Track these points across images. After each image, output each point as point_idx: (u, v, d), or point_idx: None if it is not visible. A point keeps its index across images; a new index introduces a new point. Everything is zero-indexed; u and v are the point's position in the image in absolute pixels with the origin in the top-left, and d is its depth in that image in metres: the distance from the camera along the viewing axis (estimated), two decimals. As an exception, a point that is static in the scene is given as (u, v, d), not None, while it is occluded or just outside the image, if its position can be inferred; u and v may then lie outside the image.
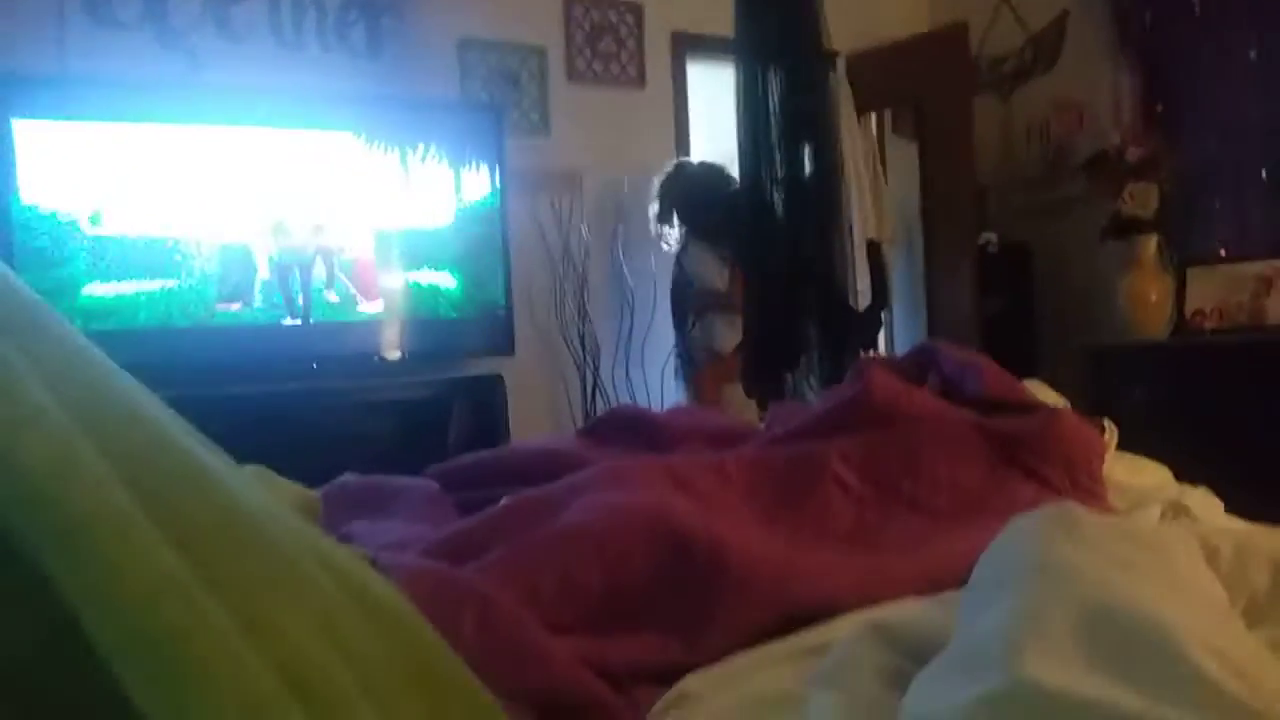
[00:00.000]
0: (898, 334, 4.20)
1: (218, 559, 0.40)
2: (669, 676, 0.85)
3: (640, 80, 3.84)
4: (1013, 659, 0.44)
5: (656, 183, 3.50)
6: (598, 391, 3.66)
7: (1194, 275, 3.32)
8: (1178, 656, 0.45)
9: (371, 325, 3.16)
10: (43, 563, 0.34)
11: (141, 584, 0.35)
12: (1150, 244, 3.31)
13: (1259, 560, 0.71)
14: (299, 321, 3.02)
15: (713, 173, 3.41)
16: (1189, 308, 3.32)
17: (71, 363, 0.45)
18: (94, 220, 2.76)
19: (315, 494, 1.35)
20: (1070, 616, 0.46)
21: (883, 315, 3.88)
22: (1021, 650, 0.45)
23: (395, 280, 3.18)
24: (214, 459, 0.55)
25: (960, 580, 0.90)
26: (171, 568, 0.37)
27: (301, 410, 2.88)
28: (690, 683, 0.83)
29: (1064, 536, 0.52)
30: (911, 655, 0.67)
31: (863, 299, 3.38)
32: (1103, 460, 1.10)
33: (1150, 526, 0.89)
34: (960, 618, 0.56)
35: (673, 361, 3.66)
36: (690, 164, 3.57)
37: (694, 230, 3.42)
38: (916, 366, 1.23)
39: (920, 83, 3.75)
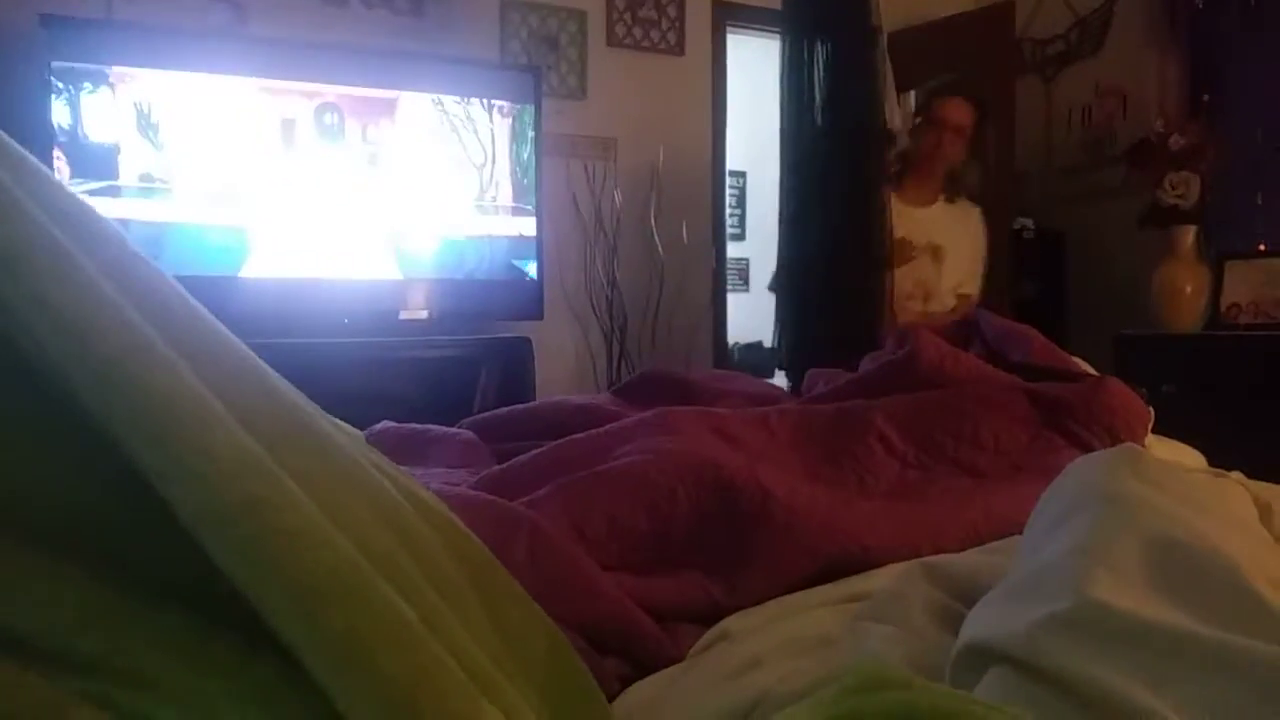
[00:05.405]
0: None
1: (286, 450, 0.41)
2: (710, 618, 0.87)
3: (680, 48, 3.82)
4: (1081, 583, 0.45)
5: None
6: (623, 361, 3.68)
7: (1231, 268, 3.29)
8: (1241, 587, 0.46)
9: (401, 284, 3.18)
10: (123, 440, 0.35)
11: (225, 459, 0.36)
12: (1188, 235, 3.28)
13: (1311, 520, 0.72)
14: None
15: None
16: (1224, 301, 3.28)
17: (128, 263, 0.45)
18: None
19: (361, 435, 1.37)
20: (1137, 545, 0.47)
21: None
22: (1090, 575, 0.46)
23: (426, 240, 3.20)
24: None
25: (1001, 536, 0.91)
26: (253, 447, 0.38)
27: (329, 366, 2.90)
28: (731, 623, 0.85)
29: (1130, 472, 0.53)
30: (959, 596, 0.68)
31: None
32: (1146, 430, 1.10)
33: (1206, 475, 0.90)
34: (1024, 546, 0.57)
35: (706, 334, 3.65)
36: None
37: None
38: (961, 334, 1.24)
39: (962, 62, 3.71)
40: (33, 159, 0.45)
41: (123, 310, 0.38)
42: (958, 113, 2.91)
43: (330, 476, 0.44)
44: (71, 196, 0.46)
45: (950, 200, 2.99)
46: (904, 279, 2.80)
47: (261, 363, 0.53)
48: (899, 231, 2.76)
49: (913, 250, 2.78)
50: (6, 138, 0.44)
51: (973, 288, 2.94)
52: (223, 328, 0.51)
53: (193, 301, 0.50)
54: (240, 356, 0.48)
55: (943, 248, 2.86)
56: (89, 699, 0.35)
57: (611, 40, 3.70)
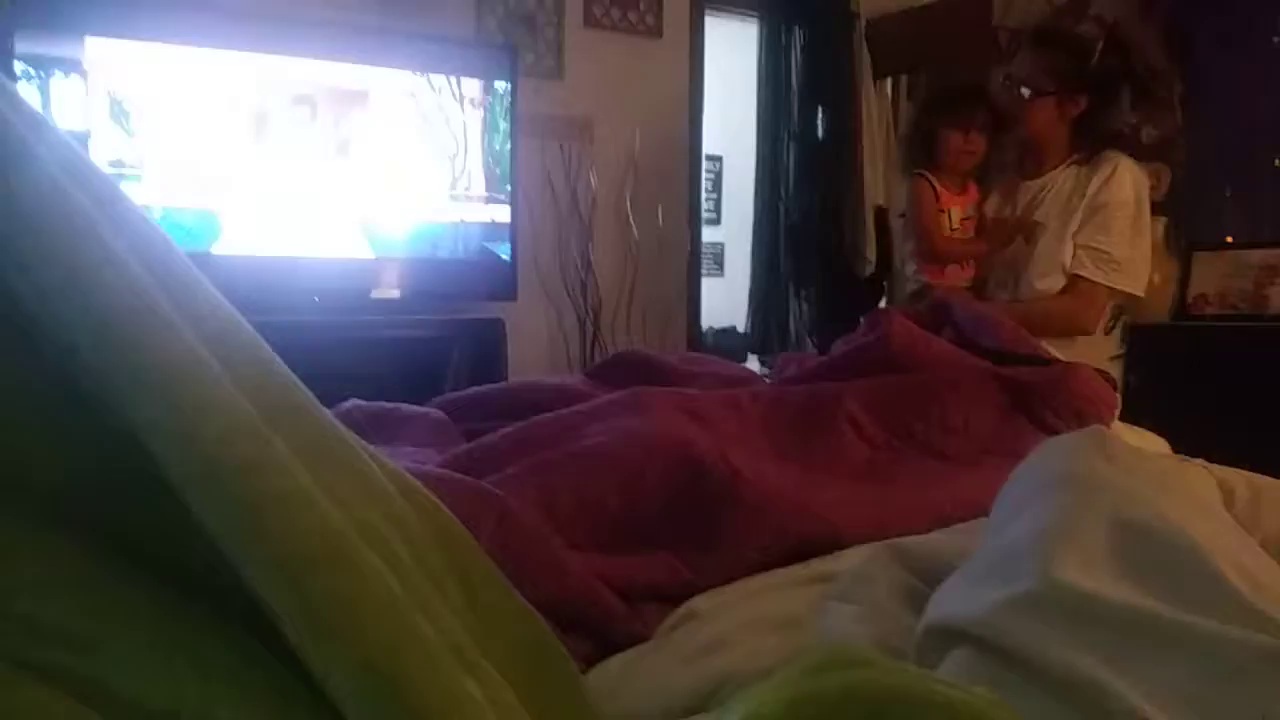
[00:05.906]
0: (899, 303, 4.20)
1: (281, 419, 0.40)
2: (678, 597, 0.87)
3: (658, 30, 3.79)
4: (1045, 563, 0.45)
5: None
6: (597, 344, 3.67)
7: (1199, 260, 3.33)
8: (1204, 568, 0.46)
9: (373, 264, 3.14)
10: (115, 396, 0.34)
11: (219, 421, 0.36)
12: (1158, 227, 3.32)
13: (1273, 504, 0.72)
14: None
15: None
16: (1192, 292, 3.33)
17: (136, 225, 0.46)
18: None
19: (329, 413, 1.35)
20: (1102, 526, 0.47)
21: (885, 284, 3.88)
22: (1054, 555, 0.46)
23: (398, 222, 3.16)
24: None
25: (969, 519, 0.92)
26: (248, 410, 0.38)
27: (299, 345, 2.84)
28: (698, 602, 0.85)
29: (1097, 454, 0.53)
30: (925, 577, 0.68)
31: (867, 266, 3.39)
32: (1114, 416, 1.11)
33: (1173, 460, 0.91)
34: (990, 527, 0.57)
35: (680, 318, 3.64)
36: None
37: None
38: (932, 319, 1.24)
39: (939, 50, 3.71)
40: (45, 116, 0.45)
41: (129, 269, 0.38)
42: (1029, 65, 2.40)
43: (321, 448, 0.44)
44: (82, 155, 0.46)
45: (1084, 161, 2.36)
46: (994, 264, 2.45)
47: (255, 332, 0.52)
48: (1006, 212, 2.41)
49: (1015, 229, 2.37)
50: (26, 100, 0.44)
51: (1088, 269, 2.31)
52: (221, 296, 0.51)
53: (195, 270, 0.49)
54: (237, 324, 0.48)
55: (1039, 224, 2.37)
56: (36, 670, 0.34)
57: (589, 20, 3.67)
